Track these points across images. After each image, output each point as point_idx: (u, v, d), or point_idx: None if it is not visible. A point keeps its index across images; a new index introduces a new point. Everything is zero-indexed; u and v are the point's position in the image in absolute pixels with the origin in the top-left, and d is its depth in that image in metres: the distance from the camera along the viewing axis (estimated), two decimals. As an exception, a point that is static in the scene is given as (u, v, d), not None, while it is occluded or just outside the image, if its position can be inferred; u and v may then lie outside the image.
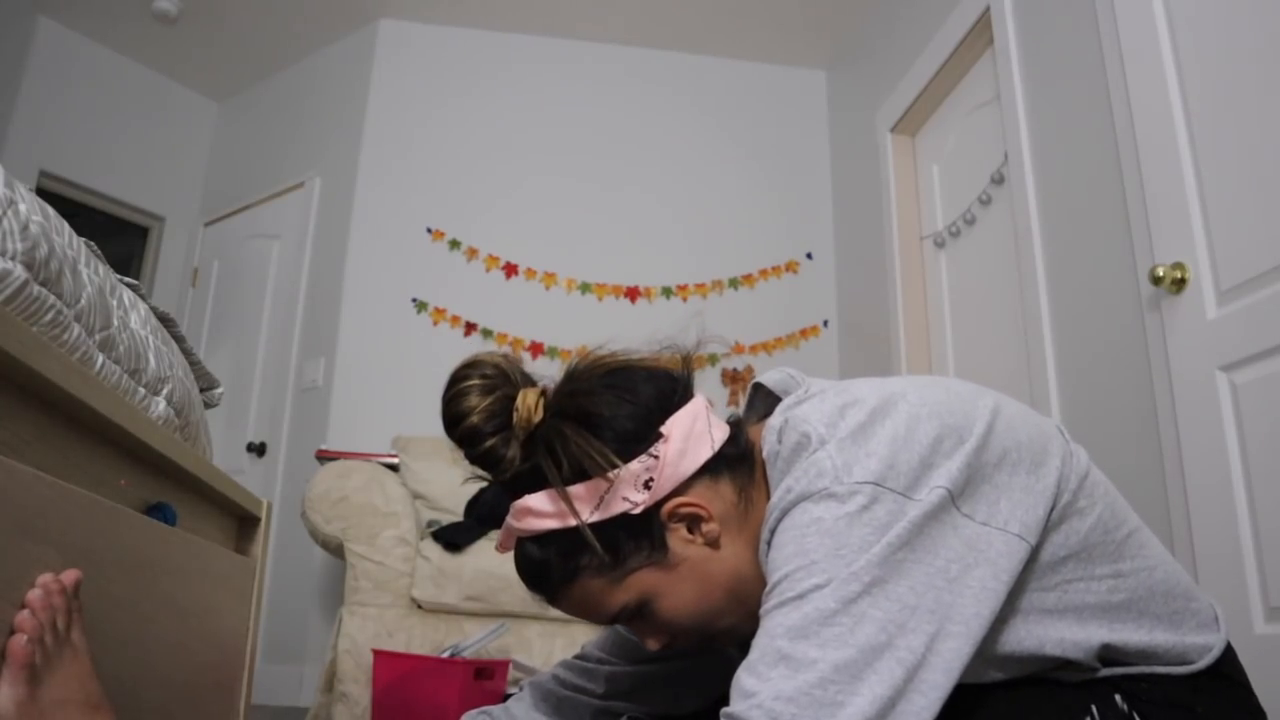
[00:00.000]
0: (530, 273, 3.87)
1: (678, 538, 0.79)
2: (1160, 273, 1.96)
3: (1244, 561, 1.75)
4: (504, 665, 2.36)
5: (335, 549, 2.56)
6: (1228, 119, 1.89)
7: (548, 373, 3.40)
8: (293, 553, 3.45)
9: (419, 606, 2.50)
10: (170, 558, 0.98)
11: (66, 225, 0.88)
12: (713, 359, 3.86)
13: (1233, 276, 1.84)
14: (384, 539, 2.51)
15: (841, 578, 0.66)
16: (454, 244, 3.85)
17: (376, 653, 2.30)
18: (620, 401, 0.81)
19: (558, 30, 4.13)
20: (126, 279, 1.08)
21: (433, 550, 2.52)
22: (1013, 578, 0.70)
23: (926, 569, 0.68)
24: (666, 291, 3.93)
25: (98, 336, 0.90)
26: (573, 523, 0.77)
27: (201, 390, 1.38)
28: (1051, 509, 0.73)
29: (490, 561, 2.52)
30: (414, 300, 3.76)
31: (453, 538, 2.54)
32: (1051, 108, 2.53)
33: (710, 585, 0.80)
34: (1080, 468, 0.77)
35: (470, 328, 3.76)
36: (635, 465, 0.77)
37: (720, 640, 0.85)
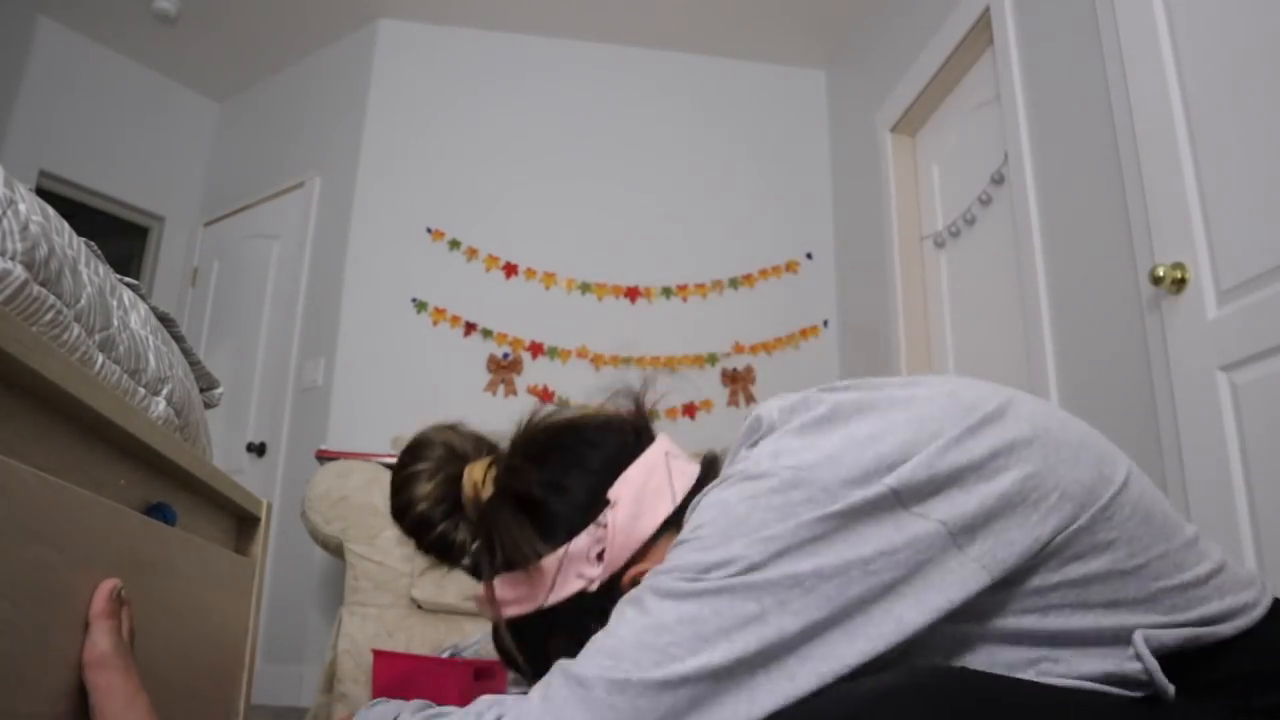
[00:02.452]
0: (530, 272, 3.87)
1: None
2: (1160, 273, 1.96)
3: (1244, 561, 1.75)
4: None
5: (335, 549, 2.56)
6: (1228, 118, 1.89)
7: (548, 372, 3.41)
8: (293, 553, 3.45)
9: (419, 606, 2.50)
10: (171, 558, 0.98)
11: (66, 225, 0.88)
12: (712, 359, 3.87)
13: (1233, 276, 1.84)
14: (384, 539, 2.51)
15: (729, 551, 0.60)
16: (454, 244, 3.85)
17: (376, 653, 2.30)
18: (564, 471, 0.74)
19: (558, 30, 4.13)
20: (126, 279, 1.08)
21: (433, 550, 2.52)
22: (956, 600, 0.61)
23: (840, 555, 0.59)
24: (666, 291, 3.93)
25: (98, 336, 0.90)
26: (530, 608, 0.72)
27: (201, 390, 1.37)
28: (1047, 544, 0.63)
29: (490, 561, 2.52)
30: (414, 300, 3.76)
31: (453, 538, 2.54)
32: (1051, 108, 2.53)
33: None
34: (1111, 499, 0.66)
35: (470, 328, 3.76)
36: (583, 539, 0.72)
37: None
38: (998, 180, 2.86)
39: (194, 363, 1.29)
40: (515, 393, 3.71)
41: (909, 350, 3.32)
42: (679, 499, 0.74)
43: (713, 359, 3.87)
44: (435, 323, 3.75)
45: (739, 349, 3.90)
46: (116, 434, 0.89)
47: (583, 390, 3.63)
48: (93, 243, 0.98)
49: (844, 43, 4.07)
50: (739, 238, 4.07)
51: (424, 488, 0.77)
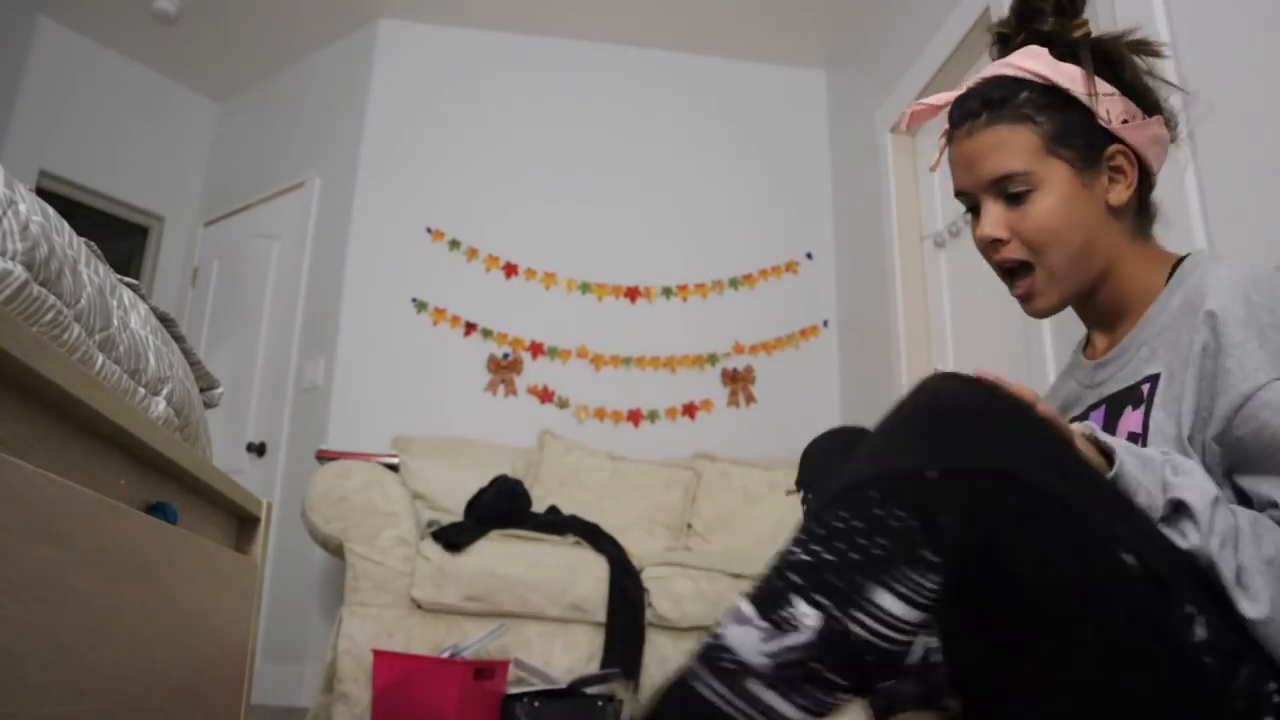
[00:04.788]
0: (530, 272, 3.87)
1: (1099, 176, 0.87)
2: (1160, 272, 1.96)
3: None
4: (504, 665, 2.36)
5: (335, 549, 2.56)
6: (1228, 119, 1.89)
7: (548, 372, 3.42)
8: (293, 553, 3.45)
9: (419, 606, 2.50)
10: (174, 557, 0.99)
11: (66, 225, 0.88)
12: (712, 359, 3.87)
13: (1233, 276, 1.84)
14: (384, 539, 2.51)
15: None
16: (454, 244, 3.85)
17: (376, 653, 2.30)
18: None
19: (558, 30, 4.13)
20: (126, 279, 1.08)
21: (433, 550, 2.52)
22: None
23: None
24: (666, 291, 3.93)
25: (98, 336, 0.90)
26: (1065, 84, 0.86)
27: (201, 390, 1.38)
28: None
29: (490, 561, 2.52)
30: (414, 300, 3.76)
31: (453, 538, 2.54)
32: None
33: (1079, 228, 0.86)
34: None
35: (470, 327, 3.76)
36: (1128, 104, 0.87)
37: (1023, 287, 0.90)
38: (998, 180, 2.86)
39: (194, 363, 1.29)
40: (515, 392, 3.71)
41: (909, 350, 3.32)
42: (1156, 177, 0.94)
43: (713, 359, 3.87)
44: (435, 323, 3.75)
45: (739, 349, 3.90)
46: (116, 434, 0.89)
47: (583, 392, 3.61)
48: (93, 243, 0.98)
49: (844, 43, 4.07)
50: (739, 237, 4.07)
51: None
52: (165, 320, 1.20)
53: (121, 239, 4.36)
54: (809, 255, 4.09)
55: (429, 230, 3.85)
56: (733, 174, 4.15)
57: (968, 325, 3.08)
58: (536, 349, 3.77)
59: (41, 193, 3.99)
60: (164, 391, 1.05)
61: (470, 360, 3.73)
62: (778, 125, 4.25)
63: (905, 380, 3.39)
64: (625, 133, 4.11)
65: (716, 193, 4.11)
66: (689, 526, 3.28)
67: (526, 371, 3.75)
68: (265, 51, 4.33)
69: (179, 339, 1.24)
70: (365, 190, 3.88)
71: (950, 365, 3.16)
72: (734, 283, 4.00)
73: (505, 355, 3.75)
